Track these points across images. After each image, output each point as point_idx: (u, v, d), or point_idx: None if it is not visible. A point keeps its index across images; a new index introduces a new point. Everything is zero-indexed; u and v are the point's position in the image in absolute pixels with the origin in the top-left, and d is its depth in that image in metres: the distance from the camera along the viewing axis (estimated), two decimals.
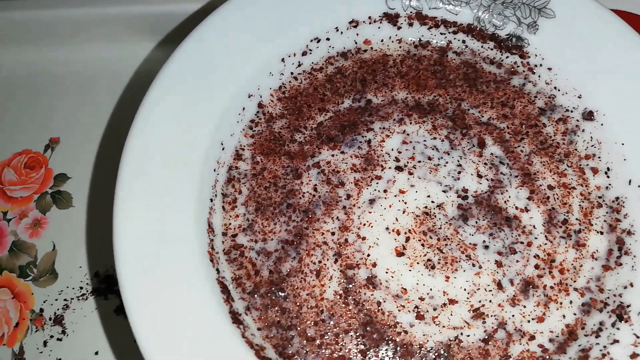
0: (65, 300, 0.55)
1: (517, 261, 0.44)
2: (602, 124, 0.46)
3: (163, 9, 0.62)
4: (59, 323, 0.54)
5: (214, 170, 0.45)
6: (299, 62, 0.50)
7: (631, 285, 0.41)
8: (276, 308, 0.43)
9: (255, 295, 0.43)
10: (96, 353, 0.53)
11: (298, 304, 0.43)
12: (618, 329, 0.40)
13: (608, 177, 0.46)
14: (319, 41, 0.50)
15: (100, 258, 0.57)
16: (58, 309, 0.55)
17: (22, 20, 0.64)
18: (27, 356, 0.53)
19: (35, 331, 0.54)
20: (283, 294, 0.43)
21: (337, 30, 0.50)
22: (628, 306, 0.41)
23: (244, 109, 0.48)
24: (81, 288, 0.56)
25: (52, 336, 0.54)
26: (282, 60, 0.49)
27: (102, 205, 0.59)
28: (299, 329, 0.42)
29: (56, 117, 0.63)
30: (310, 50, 0.50)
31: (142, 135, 0.43)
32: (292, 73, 0.50)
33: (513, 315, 0.43)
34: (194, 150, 0.44)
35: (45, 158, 0.62)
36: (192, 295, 0.40)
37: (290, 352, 0.42)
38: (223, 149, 0.46)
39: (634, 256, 0.42)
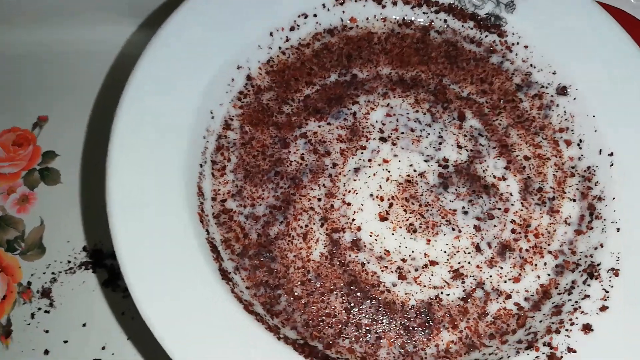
0: (53, 273, 0.55)
1: (495, 226, 0.46)
2: (574, 98, 0.48)
3: None
4: (47, 296, 0.55)
5: (204, 137, 0.46)
6: (287, 37, 0.51)
7: (601, 246, 0.43)
8: (264, 269, 0.44)
9: (244, 257, 0.44)
10: (84, 325, 0.54)
11: (285, 265, 0.44)
12: (589, 285, 0.42)
13: (580, 148, 0.48)
14: (306, 17, 0.51)
15: (89, 233, 0.57)
16: (46, 282, 0.55)
17: (9, 1, 0.64)
18: (15, 328, 0.53)
19: (23, 304, 0.54)
20: (271, 256, 0.44)
21: (324, 7, 0.51)
22: (598, 264, 0.43)
23: (233, 80, 0.49)
24: (69, 262, 0.56)
25: (39, 308, 0.54)
26: (271, 34, 0.50)
27: (91, 180, 0.60)
28: (286, 288, 0.43)
29: (44, 95, 0.64)
30: (298, 25, 0.51)
31: (133, 103, 0.44)
32: (280, 47, 0.51)
33: (490, 276, 0.44)
34: (184, 117, 0.45)
35: (34, 135, 0.62)
36: (183, 253, 0.41)
37: (277, 309, 0.43)
38: (212, 118, 0.47)
39: (604, 219, 0.44)
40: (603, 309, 0.41)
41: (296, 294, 0.43)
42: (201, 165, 0.46)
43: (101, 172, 0.42)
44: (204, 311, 0.39)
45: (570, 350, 0.40)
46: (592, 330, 0.40)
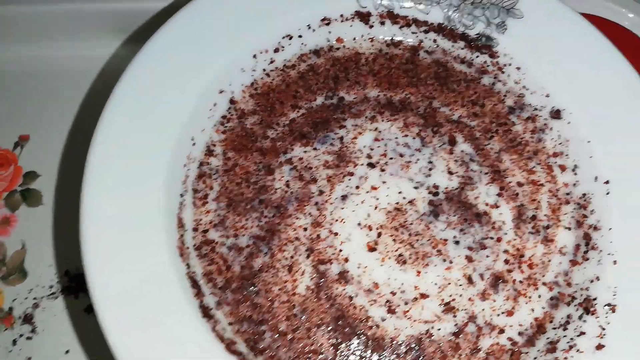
0: (35, 299, 0.54)
1: (487, 256, 0.44)
2: (569, 122, 0.46)
3: (129, 7, 0.61)
4: (29, 322, 0.53)
5: (184, 165, 0.44)
6: (271, 58, 0.49)
7: (597, 279, 0.41)
8: (248, 303, 0.42)
9: (227, 291, 0.42)
10: (67, 352, 0.52)
11: (270, 299, 0.42)
12: (585, 321, 0.40)
13: (575, 174, 0.46)
14: (291, 38, 0.49)
15: (71, 256, 0.55)
16: (28, 308, 0.53)
17: None
18: None
19: (5, 330, 0.52)
20: (255, 289, 0.42)
21: (310, 28, 0.49)
22: (594, 299, 0.41)
23: (215, 104, 0.47)
24: (51, 287, 0.54)
25: (21, 335, 0.52)
26: (254, 56, 0.48)
27: (72, 203, 0.57)
28: (270, 323, 0.41)
29: (26, 114, 0.61)
30: (283, 47, 0.49)
31: (109, 131, 0.42)
32: (264, 69, 0.49)
33: (483, 309, 0.42)
34: (163, 145, 0.43)
35: (15, 155, 0.60)
36: (162, 290, 0.39)
37: (261, 346, 0.41)
38: (194, 145, 0.45)
39: (600, 250, 0.42)
40: (599, 347, 0.39)
41: (281, 330, 0.41)
42: (182, 195, 0.44)
43: (80, 197, 0.41)
44: (183, 351, 0.37)
45: None
46: None
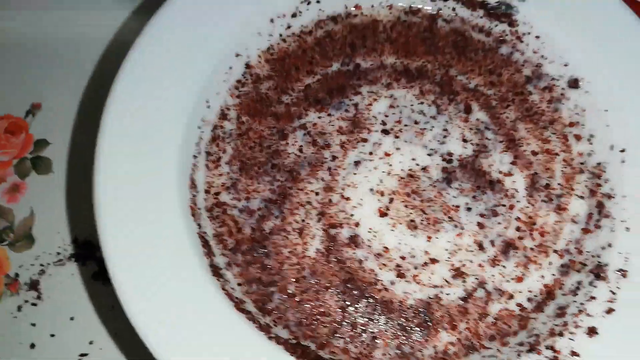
0: (41, 265, 0.56)
1: (499, 223, 0.47)
2: (586, 92, 0.49)
3: None
4: (35, 288, 0.56)
5: (199, 127, 0.47)
6: (288, 24, 0.52)
7: (609, 245, 0.44)
8: (257, 265, 0.45)
9: (237, 252, 0.45)
10: (71, 319, 0.54)
11: (279, 261, 0.45)
12: (595, 286, 0.42)
13: (591, 143, 0.48)
14: (309, 3, 0.52)
15: (80, 224, 0.58)
16: (34, 274, 0.56)
17: None
18: (1, 320, 0.54)
19: (10, 296, 0.55)
20: (265, 251, 0.45)
21: None
22: (606, 265, 0.43)
23: (230, 68, 0.49)
24: (58, 254, 0.57)
25: (26, 301, 0.55)
26: (271, 20, 0.51)
27: (83, 170, 0.60)
28: (279, 285, 0.44)
29: (38, 82, 0.64)
30: (300, 12, 0.52)
31: (125, 91, 0.45)
32: (280, 35, 0.52)
33: (493, 275, 0.45)
34: (178, 107, 0.45)
35: (26, 123, 0.63)
36: (173, 248, 0.41)
37: (270, 307, 0.44)
38: (208, 107, 0.48)
39: (613, 218, 0.45)
40: (609, 311, 0.41)
41: (290, 292, 0.44)
42: (195, 157, 0.47)
43: (92, 161, 0.43)
44: (193, 309, 0.40)
45: (573, 354, 0.40)
46: (597, 333, 0.41)
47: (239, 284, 0.44)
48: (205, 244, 0.44)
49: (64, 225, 0.59)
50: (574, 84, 0.49)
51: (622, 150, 0.46)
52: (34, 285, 0.56)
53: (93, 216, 0.42)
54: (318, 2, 0.52)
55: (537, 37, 0.51)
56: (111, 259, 0.40)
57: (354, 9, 0.53)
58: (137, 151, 0.44)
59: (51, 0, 0.66)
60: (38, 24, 0.66)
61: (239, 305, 0.42)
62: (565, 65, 0.50)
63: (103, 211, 0.41)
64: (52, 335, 0.54)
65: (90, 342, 0.54)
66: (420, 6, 0.54)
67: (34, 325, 0.54)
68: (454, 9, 0.53)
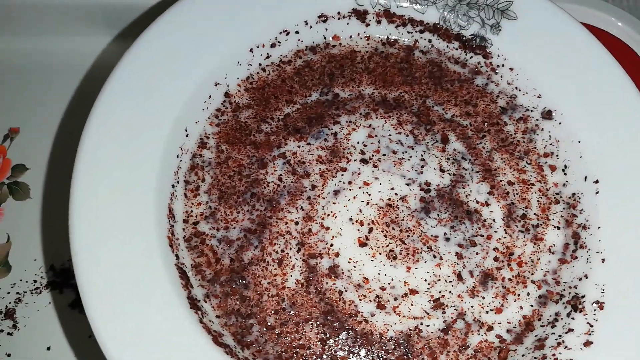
0: (17, 293, 0.54)
1: (477, 253, 0.45)
2: (560, 123, 0.48)
3: (121, 2, 0.62)
4: (10, 317, 0.53)
5: (177, 156, 0.45)
6: (268, 53, 0.50)
7: (586, 277, 0.42)
8: (236, 296, 0.42)
9: (215, 283, 0.43)
10: (48, 348, 0.52)
11: (259, 292, 0.43)
12: (573, 318, 0.41)
13: (565, 174, 0.47)
14: (288, 34, 0.50)
15: (57, 251, 0.56)
16: (10, 303, 0.53)
17: None
18: None
19: None
20: (244, 282, 0.43)
21: (307, 24, 0.51)
22: (583, 297, 0.42)
23: (210, 96, 0.48)
24: (35, 281, 0.54)
25: (2, 330, 0.52)
26: (251, 50, 0.49)
27: (60, 197, 0.58)
28: (258, 317, 0.42)
29: (16, 107, 0.62)
30: (279, 42, 0.50)
31: (103, 117, 0.43)
32: (260, 64, 0.50)
33: (472, 306, 0.43)
34: (156, 136, 0.44)
35: (4, 148, 0.60)
36: (150, 280, 0.39)
37: (249, 340, 0.41)
38: (187, 136, 0.46)
39: (589, 249, 0.43)
40: (587, 344, 0.40)
41: (269, 324, 0.42)
42: (173, 186, 0.44)
43: (69, 190, 0.41)
44: (170, 343, 0.38)
45: None
46: None
47: (217, 316, 0.42)
48: (183, 275, 0.42)
49: (41, 252, 0.56)
50: (547, 115, 0.48)
51: (596, 182, 0.45)
52: (9, 314, 0.53)
53: (69, 242, 0.40)
54: (297, 32, 0.51)
55: (511, 69, 0.50)
56: (85, 290, 0.38)
57: (332, 39, 0.52)
58: (114, 178, 0.42)
59: (30, 26, 0.64)
60: (17, 49, 0.65)
61: (217, 339, 0.39)
62: (539, 97, 0.49)
63: (78, 240, 0.39)
64: None
65: None
66: (397, 38, 0.53)
67: (9, 355, 0.51)
68: (430, 41, 0.52)
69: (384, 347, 0.42)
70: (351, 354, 0.41)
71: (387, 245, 0.45)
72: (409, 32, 0.52)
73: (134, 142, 0.43)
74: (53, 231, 0.56)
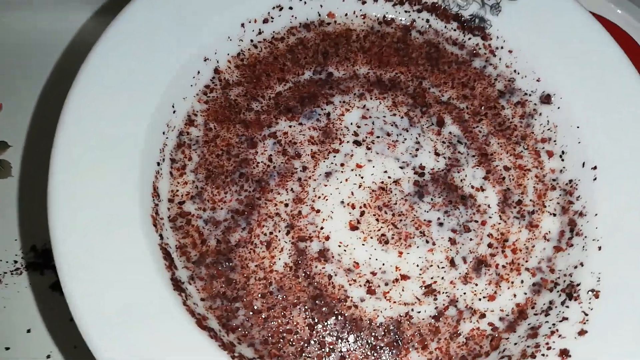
0: None
1: (471, 239, 0.44)
2: (558, 107, 0.46)
3: None
4: None
5: (163, 133, 0.43)
6: (260, 29, 0.48)
7: (581, 264, 0.41)
8: (222, 279, 0.41)
9: (201, 265, 0.41)
10: (28, 331, 0.50)
11: (245, 275, 0.41)
12: (567, 307, 0.40)
13: (563, 160, 0.46)
14: (281, 9, 0.48)
15: (38, 231, 0.54)
16: None
17: None
18: None
19: None
20: (230, 265, 0.41)
21: (301, 0, 0.49)
22: (578, 285, 0.40)
23: (198, 72, 0.46)
24: (15, 262, 0.53)
25: None
26: (242, 25, 0.47)
27: (41, 175, 0.56)
28: (245, 300, 0.40)
29: None
30: (272, 18, 0.48)
31: (83, 94, 0.41)
32: (252, 40, 0.48)
33: (464, 293, 0.42)
34: (140, 111, 0.42)
35: None
36: (133, 261, 0.37)
37: (234, 324, 0.40)
38: (174, 112, 0.44)
39: (585, 237, 0.42)
40: (582, 333, 0.38)
41: (256, 308, 0.40)
42: (158, 164, 0.43)
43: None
44: (152, 325, 0.36)
45: None
46: (570, 356, 0.38)
47: (202, 299, 0.40)
48: (167, 256, 0.40)
49: (23, 232, 0.54)
50: (546, 99, 0.47)
51: (594, 168, 0.44)
52: None
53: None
54: (291, 8, 0.49)
55: (510, 51, 0.48)
56: (64, 270, 0.36)
57: (327, 17, 0.50)
58: (96, 155, 0.40)
59: (9, 1, 0.62)
60: None
61: (201, 322, 0.38)
62: (538, 80, 0.47)
63: (57, 218, 0.38)
64: (7, 349, 0.50)
65: (48, 356, 0.49)
66: (394, 17, 0.51)
67: None
68: (427, 21, 0.50)
69: (373, 333, 0.40)
70: (340, 340, 0.40)
71: (379, 230, 0.43)
72: (406, 11, 0.50)
73: (117, 118, 0.41)
74: (33, 211, 0.55)
